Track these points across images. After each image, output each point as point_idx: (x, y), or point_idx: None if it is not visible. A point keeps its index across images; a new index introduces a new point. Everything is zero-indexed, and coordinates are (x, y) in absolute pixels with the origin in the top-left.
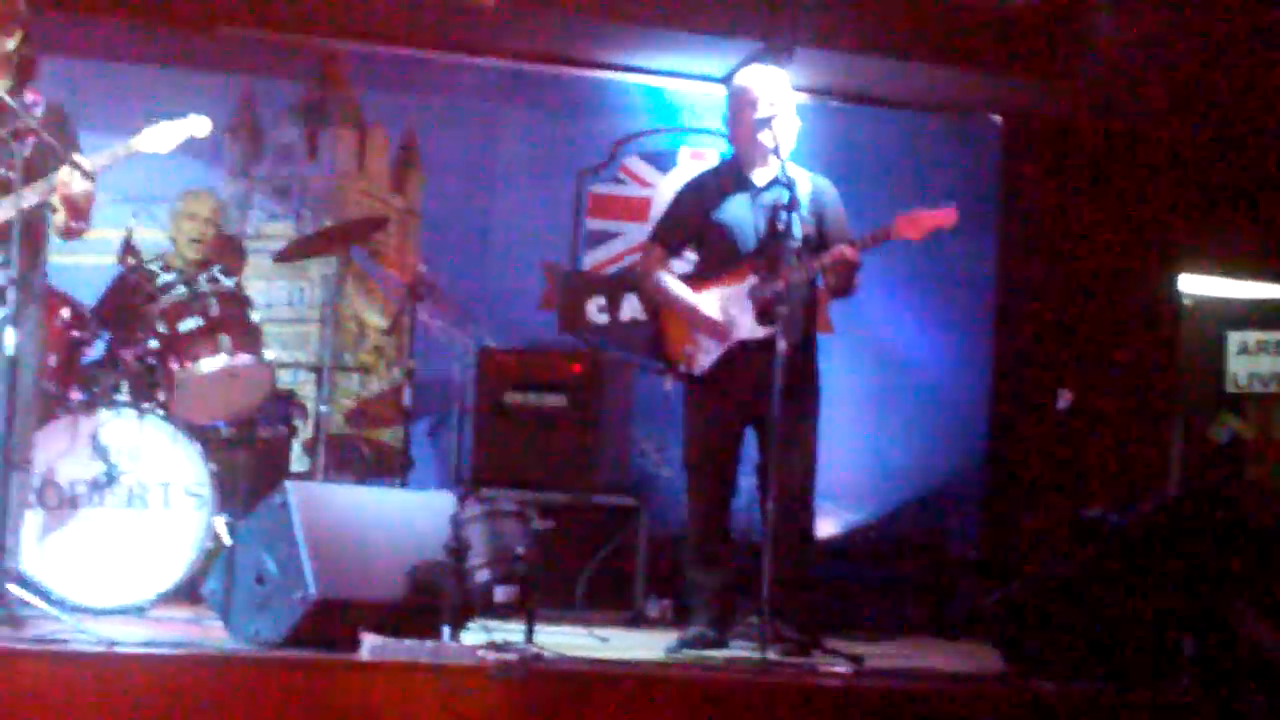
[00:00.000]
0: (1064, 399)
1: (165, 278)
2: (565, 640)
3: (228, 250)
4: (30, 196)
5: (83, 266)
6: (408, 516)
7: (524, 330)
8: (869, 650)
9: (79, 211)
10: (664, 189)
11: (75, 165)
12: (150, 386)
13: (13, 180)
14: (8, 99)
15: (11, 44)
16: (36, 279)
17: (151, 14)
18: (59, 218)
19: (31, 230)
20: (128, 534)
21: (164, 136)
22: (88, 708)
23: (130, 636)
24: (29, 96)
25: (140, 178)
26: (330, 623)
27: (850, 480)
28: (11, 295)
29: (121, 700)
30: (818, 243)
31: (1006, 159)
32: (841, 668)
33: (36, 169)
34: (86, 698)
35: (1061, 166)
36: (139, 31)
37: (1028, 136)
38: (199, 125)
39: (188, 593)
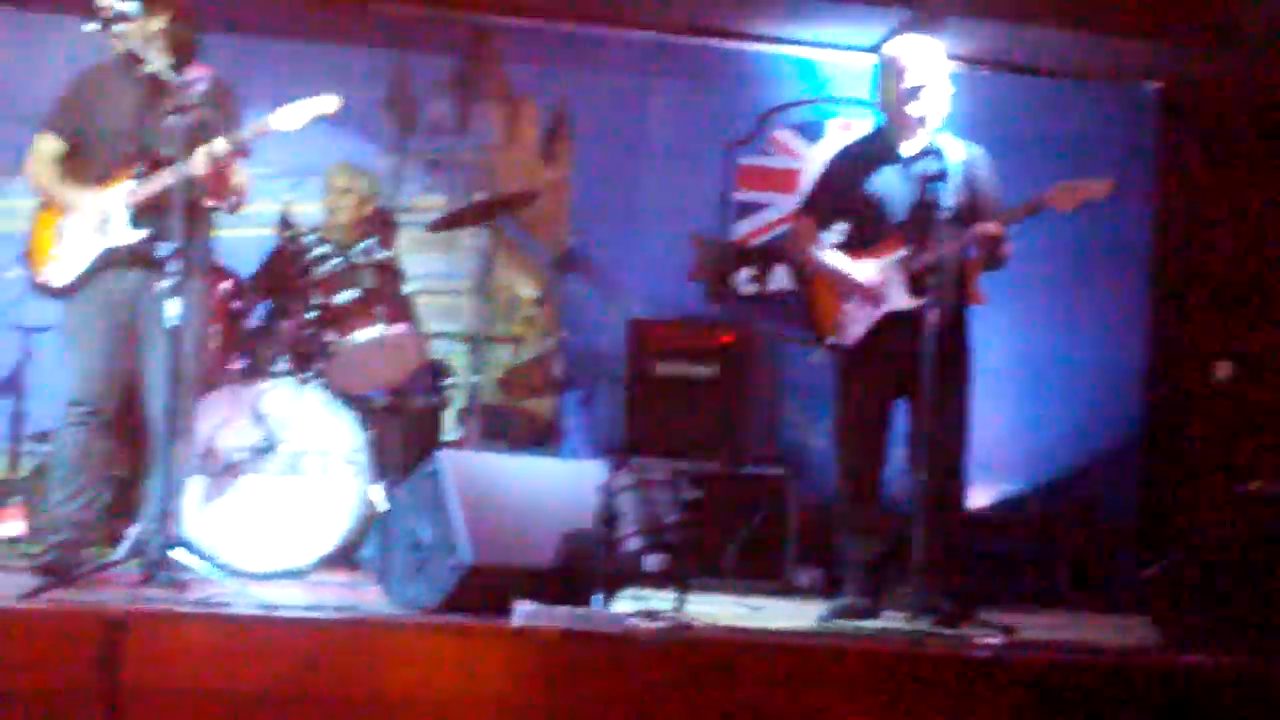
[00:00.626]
0: (1223, 370)
1: (320, 250)
2: (715, 610)
3: (380, 223)
4: (187, 170)
5: (242, 239)
6: (559, 485)
7: (673, 301)
8: (1021, 621)
9: (227, 187)
10: (812, 160)
11: (230, 141)
12: (307, 356)
13: (173, 155)
14: (165, 74)
15: (161, 22)
16: (198, 252)
17: None
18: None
19: (191, 204)
20: (287, 500)
21: (295, 115)
22: (249, 669)
23: (290, 600)
24: (192, 73)
25: (297, 151)
26: (484, 589)
27: (1004, 451)
28: (174, 267)
29: (281, 663)
30: (970, 212)
31: (1164, 128)
32: (993, 639)
33: (196, 145)
34: (248, 660)
35: (1220, 135)
36: (296, 8)
37: (1186, 104)
38: (327, 103)
39: (345, 558)
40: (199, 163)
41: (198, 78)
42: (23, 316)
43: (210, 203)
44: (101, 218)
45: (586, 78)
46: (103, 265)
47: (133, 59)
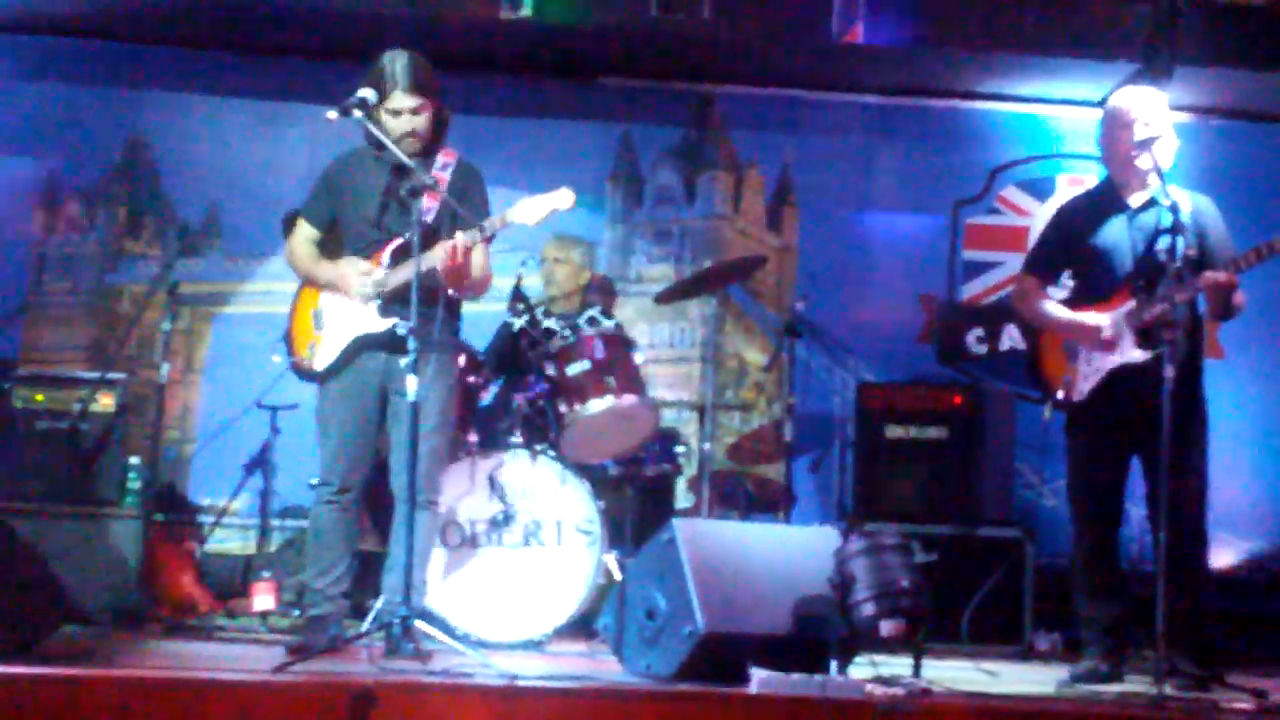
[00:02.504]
0: None
1: (549, 323)
2: (953, 674)
3: (599, 291)
4: (429, 260)
5: (477, 314)
6: (792, 551)
7: (902, 363)
8: (1272, 686)
9: (468, 277)
10: (1042, 217)
11: (479, 229)
12: (541, 428)
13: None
14: (410, 161)
15: (422, 122)
16: (433, 331)
17: (539, 69)
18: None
19: (434, 286)
20: (524, 570)
21: (534, 209)
22: None
23: (529, 670)
24: (441, 158)
25: (528, 227)
26: (719, 656)
27: (1247, 509)
28: (411, 344)
29: None
30: (1200, 262)
31: None
32: (1243, 704)
33: (440, 232)
34: None
35: None
36: (526, 86)
37: None
38: (564, 199)
39: (582, 627)
40: (439, 256)
41: (445, 163)
42: (269, 396)
43: (450, 292)
44: (366, 287)
45: (811, 142)
46: (356, 349)
47: (379, 146)
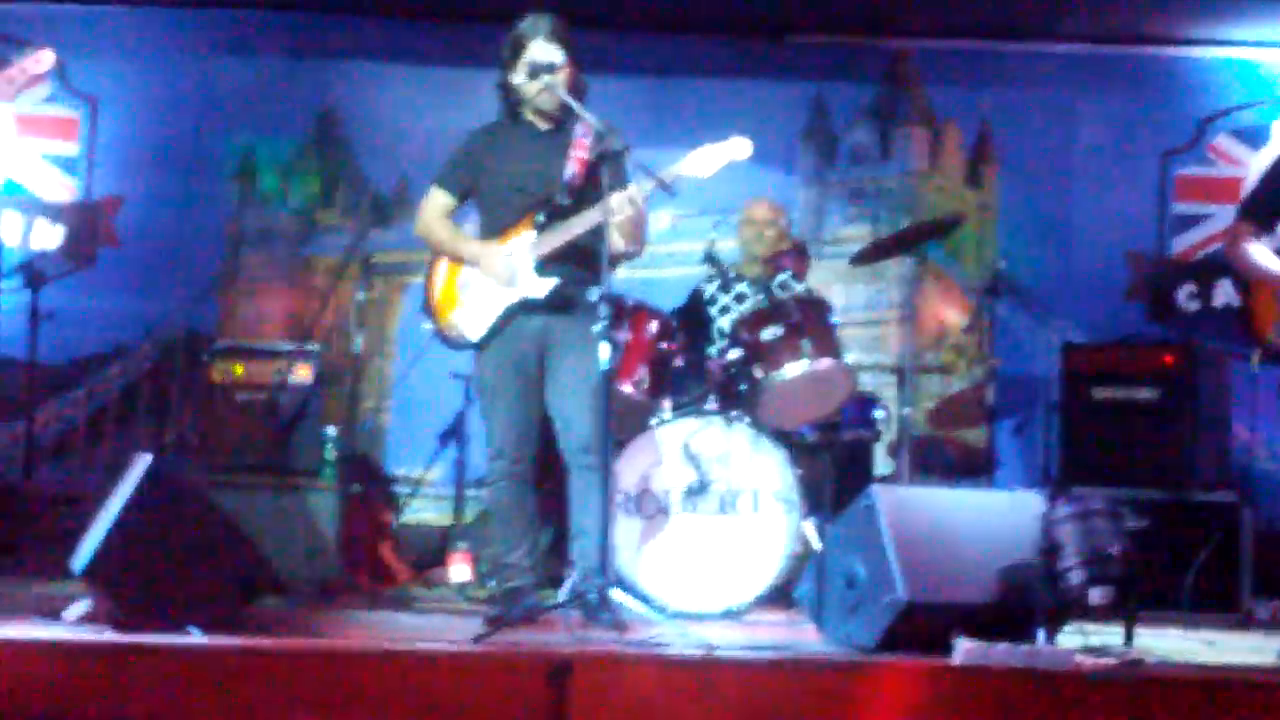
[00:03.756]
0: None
1: (742, 287)
2: (1167, 644)
3: (791, 254)
4: (589, 220)
5: (667, 279)
6: (995, 517)
7: (1110, 322)
8: None
9: (632, 237)
10: (1256, 165)
11: (646, 186)
12: (735, 394)
13: (573, 204)
14: (595, 122)
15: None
16: (591, 294)
17: (725, 28)
18: (616, 242)
19: (587, 249)
20: (720, 539)
21: (706, 161)
22: (690, 710)
23: (728, 640)
24: (583, 121)
25: (718, 189)
26: (921, 626)
27: None
28: (603, 311)
29: (721, 703)
30: None
31: None
32: None
33: (590, 193)
34: (689, 700)
35: None
36: (713, 47)
37: None
38: (740, 148)
39: (781, 596)
40: (618, 208)
41: (589, 125)
42: (462, 365)
43: (626, 248)
44: (507, 270)
45: (1011, 95)
46: (511, 316)
47: (525, 110)
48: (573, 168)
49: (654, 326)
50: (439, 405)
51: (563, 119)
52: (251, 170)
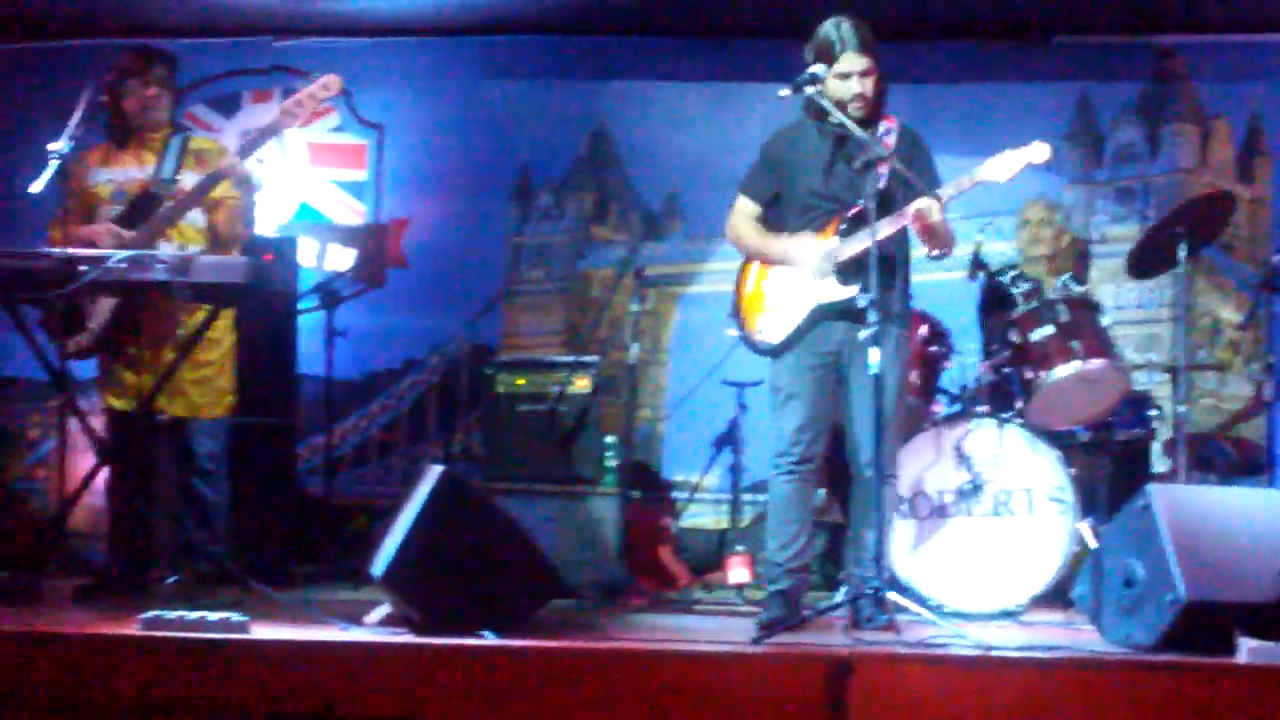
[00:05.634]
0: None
1: (1015, 288)
2: None
3: (1071, 256)
4: (886, 227)
5: (938, 283)
6: (1276, 516)
7: None
8: None
9: (938, 241)
10: None
11: (934, 197)
12: (1007, 396)
13: (874, 210)
14: (856, 131)
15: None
16: (894, 301)
17: (988, 33)
18: (922, 247)
19: (889, 256)
20: (995, 540)
21: (1005, 165)
22: (968, 710)
23: (1005, 641)
24: (882, 125)
25: (984, 193)
26: (1203, 625)
27: None
28: (872, 317)
29: (999, 703)
30: None
31: None
32: None
33: (891, 199)
34: (967, 700)
35: None
36: (976, 51)
37: None
38: (1039, 152)
39: (1058, 596)
40: (912, 215)
41: (887, 130)
42: (734, 373)
43: (934, 252)
44: (820, 260)
45: None
46: (814, 320)
47: (823, 117)
48: (873, 174)
49: (924, 330)
50: (714, 412)
51: (867, 125)
52: (528, 189)
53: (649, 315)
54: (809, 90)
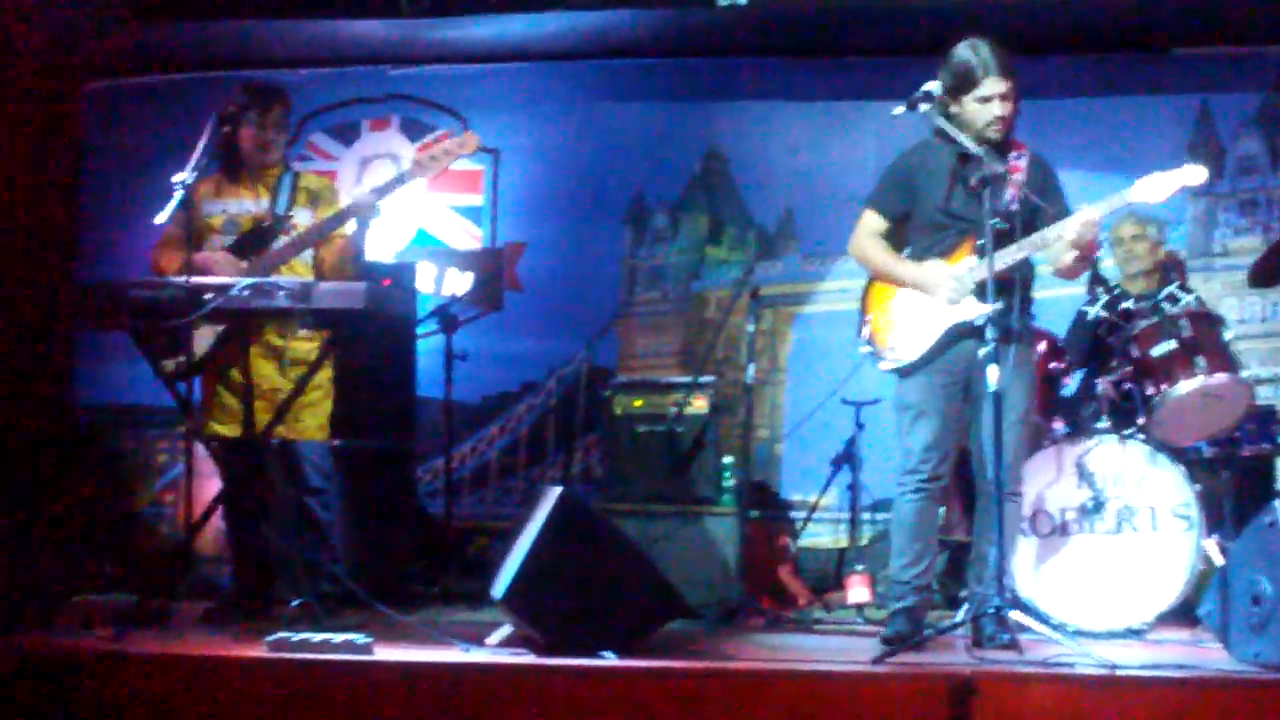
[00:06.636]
0: None
1: (1127, 304)
2: None
3: (1172, 267)
4: (1026, 249)
5: (1052, 300)
6: None
7: None
8: None
9: (1086, 264)
10: None
11: (1078, 220)
12: (1128, 412)
13: (1006, 231)
14: (978, 152)
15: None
16: (1018, 319)
17: (1105, 46)
18: (1057, 258)
19: (1018, 276)
20: (1118, 558)
21: (1159, 186)
22: None
23: (1130, 659)
24: (1014, 149)
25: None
26: None
27: None
28: (990, 334)
29: None
30: None
31: None
32: None
33: (1022, 222)
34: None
35: None
36: (1089, 66)
37: None
38: (1195, 174)
39: (1183, 614)
40: (1072, 233)
41: (1019, 154)
42: (852, 391)
43: (1071, 271)
44: (950, 293)
45: None
46: (948, 342)
47: (946, 138)
48: (1011, 193)
49: (1042, 346)
50: (831, 431)
51: (999, 146)
52: (643, 210)
53: (765, 335)
54: (923, 108)
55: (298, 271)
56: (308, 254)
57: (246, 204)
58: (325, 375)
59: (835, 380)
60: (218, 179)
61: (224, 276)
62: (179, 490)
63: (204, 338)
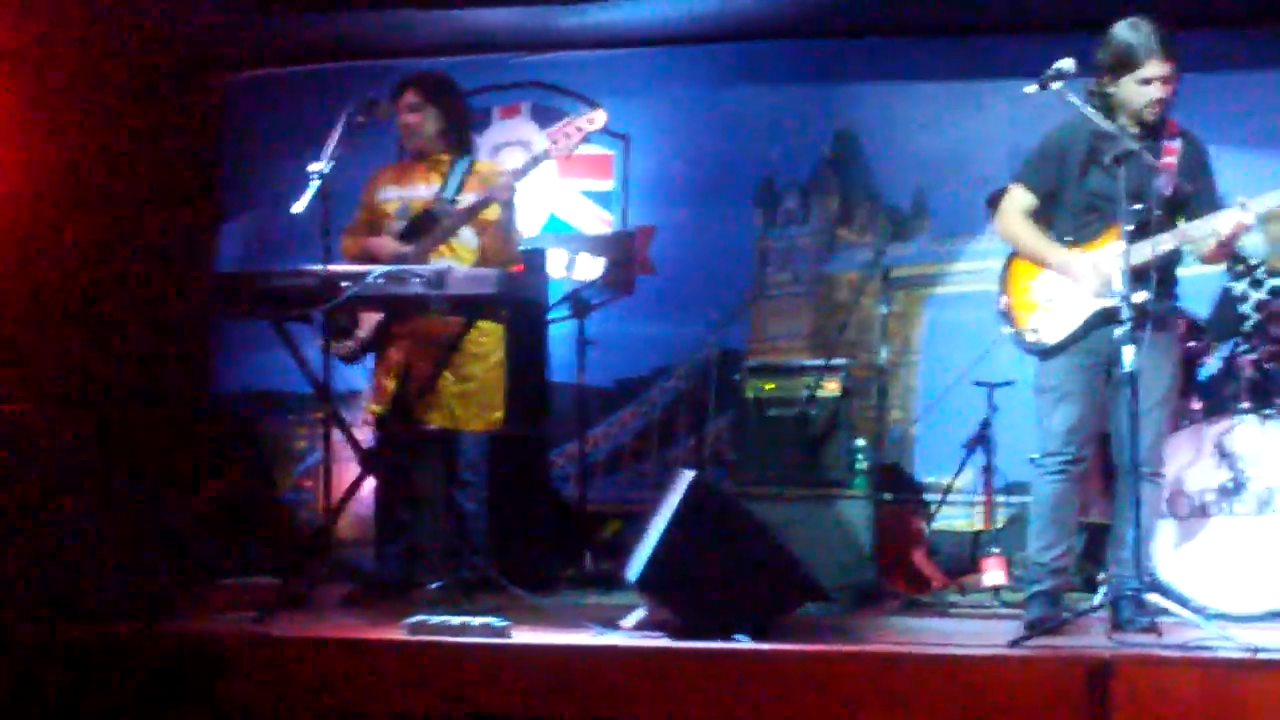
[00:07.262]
0: None
1: (1273, 282)
2: None
3: None
4: (1167, 244)
5: (1193, 278)
6: None
7: None
8: None
9: (1229, 254)
10: None
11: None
12: (1269, 392)
13: (1157, 217)
14: (1108, 127)
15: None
16: (1163, 302)
17: (1257, 20)
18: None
19: (1170, 262)
20: (1259, 539)
21: None
22: (1234, 714)
23: (1272, 642)
24: (1168, 131)
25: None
26: None
27: None
28: (1126, 314)
29: (1269, 706)
30: None
31: None
32: None
33: (1174, 206)
34: (1233, 704)
35: None
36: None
37: None
38: None
39: None
40: (1225, 231)
41: (1171, 136)
42: (985, 373)
43: (1216, 259)
44: (1100, 277)
45: None
46: (1092, 325)
47: (1119, 119)
48: (1164, 179)
49: (1181, 326)
50: (964, 413)
51: (1153, 130)
52: (773, 193)
53: (897, 317)
54: (1055, 86)
55: (461, 257)
56: (471, 240)
57: (420, 190)
58: (482, 366)
59: (968, 362)
60: (400, 166)
61: (384, 261)
62: (317, 476)
63: (370, 323)
